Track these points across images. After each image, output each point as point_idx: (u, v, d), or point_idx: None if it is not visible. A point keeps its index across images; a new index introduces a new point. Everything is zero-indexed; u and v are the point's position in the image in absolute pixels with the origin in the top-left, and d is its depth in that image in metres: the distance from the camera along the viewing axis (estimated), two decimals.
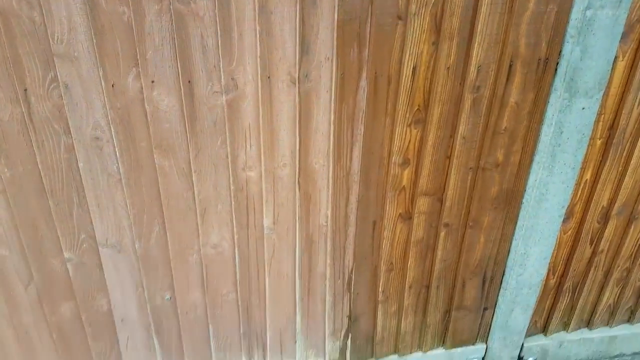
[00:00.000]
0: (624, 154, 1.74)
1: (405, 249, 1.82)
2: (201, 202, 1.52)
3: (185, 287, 1.72)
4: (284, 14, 1.28)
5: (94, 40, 1.20)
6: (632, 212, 1.92)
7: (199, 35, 1.26)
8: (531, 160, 1.67)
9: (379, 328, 2.02)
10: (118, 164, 1.40)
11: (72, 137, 1.33)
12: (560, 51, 1.47)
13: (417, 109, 1.49)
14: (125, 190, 1.44)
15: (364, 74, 1.40)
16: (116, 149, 1.37)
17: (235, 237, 1.63)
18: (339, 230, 1.72)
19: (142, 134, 1.36)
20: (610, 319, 2.27)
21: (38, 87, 1.24)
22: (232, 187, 1.53)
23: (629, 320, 2.31)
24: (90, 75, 1.25)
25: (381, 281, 1.88)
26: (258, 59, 1.33)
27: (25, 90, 1.24)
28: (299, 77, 1.38)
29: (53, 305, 1.67)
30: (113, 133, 1.34)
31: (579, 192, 1.81)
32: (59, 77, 1.23)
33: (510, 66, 1.46)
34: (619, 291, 2.17)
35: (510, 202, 1.76)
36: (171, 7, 1.20)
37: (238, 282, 1.75)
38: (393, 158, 1.59)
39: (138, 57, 1.24)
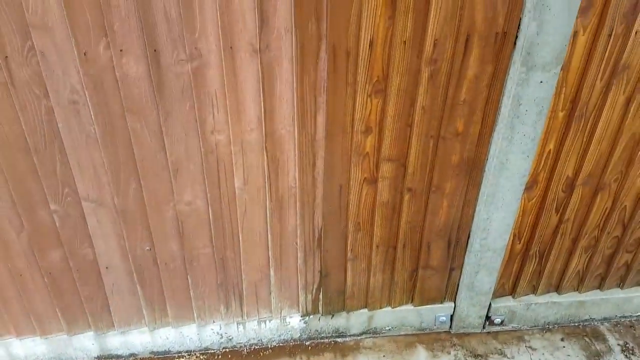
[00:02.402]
0: (588, 127, 1.85)
1: (371, 211, 1.99)
2: (173, 162, 1.70)
3: (163, 240, 1.93)
4: None
5: (65, 12, 1.35)
6: (598, 183, 2.04)
7: (162, 7, 1.39)
8: (491, 131, 1.79)
9: (349, 284, 2.22)
10: (94, 125, 1.57)
11: (51, 100, 1.50)
12: (519, 25, 1.57)
13: (377, 80, 1.62)
14: (102, 150, 1.63)
15: (323, 46, 1.53)
16: (91, 112, 1.54)
17: (208, 195, 1.82)
18: (307, 192, 1.89)
19: (114, 99, 1.52)
20: (579, 285, 2.43)
21: (18, 55, 1.40)
22: (202, 149, 1.69)
23: (599, 286, 2.47)
24: (63, 44, 1.40)
25: (349, 240, 2.07)
26: (219, 30, 1.46)
27: (6, 57, 1.40)
28: (260, 47, 1.51)
29: (43, 252, 1.90)
30: (88, 97, 1.51)
31: (542, 161, 1.93)
32: (35, 45, 1.39)
33: (467, 40, 1.56)
34: (587, 258, 2.32)
35: (472, 170, 1.90)
36: None
37: (213, 237, 1.96)
38: (356, 126, 1.73)
39: (106, 27, 1.39)
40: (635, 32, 1.61)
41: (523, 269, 2.31)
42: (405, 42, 1.54)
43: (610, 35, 1.61)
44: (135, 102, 1.54)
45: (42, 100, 1.50)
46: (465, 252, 2.20)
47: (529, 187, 2.00)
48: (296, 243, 2.04)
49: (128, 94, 1.52)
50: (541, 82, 1.65)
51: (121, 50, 1.44)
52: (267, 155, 1.76)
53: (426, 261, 2.19)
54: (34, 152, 1.61)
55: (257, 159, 1.76)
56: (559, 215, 2.13)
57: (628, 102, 1.79)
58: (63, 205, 1.76)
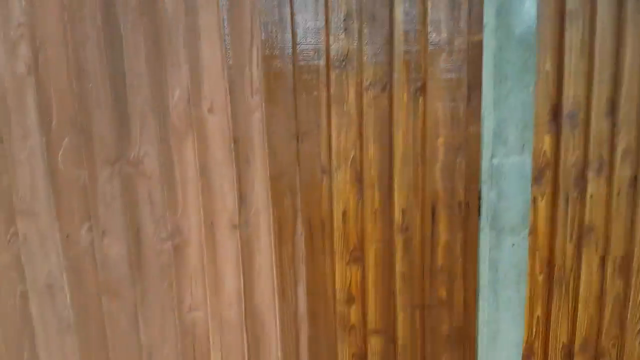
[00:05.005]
0: (570, 289, 1.73)
1: None
2: (147, 346, 1.52)
3: None
4: (223, 173, 1.44)
5: (53, 199, 1.35)
6: (596, 349, 1.82)
7: (147, 192, 1.40)
8: (475, 297, 1.66)
9: None
10: (68, 309, 1.44)
11: (27, 284, 1.41)
12: (479, 194, 1.58)
13: (353, 248, 1.56)
14: (74, 335, 1.47)
15: (299, 220, 1.51)
16: (67, 295, 1.43)
17: None
18: None
19: (91, 280, 1.43)
20: None
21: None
22: (178, 330, 1.53)
23: None
24: (47, 228, 1.37)
25: None
26: (201, 209, 1.45)
27: None
28: (239, 223, 1.48)
29: None
30: (65, 280, 1.42)
31: (534, 328, 1.75)
32: (18, 231, 1.36)
33: (433, 209, 1.56)
34: None
35: (465, 341, 1.70)
36: (121, 169, 1.37)
37: None
38: (338, 295, 1.60)
39: (91, 211, 1.38)
40: (591, 196, 1.62)
41: None
42: (375, 212, 1.53)
43: (567, 200, 1.61)
44: (113, 282, 1.44)
45: (18, 285, 1.40)
46: None
47: (527, 357, 1.78)
48: None
49: (106, 275, 1.43)
50: (513, 245, 1.59)
51: (103, 232, 1.40)
52: (247, 334, 1.59)
53: None
54: (2, 341, 1.44)
55: (236, 339, 1.59)
56: None
57: (603, 262, 1.70)
58: None
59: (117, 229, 1.41)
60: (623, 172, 1.60)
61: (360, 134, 1.45)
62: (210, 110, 1.39)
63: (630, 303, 1.75)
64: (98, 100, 1.32)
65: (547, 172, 1.59)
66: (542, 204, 1.62)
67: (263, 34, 1.37)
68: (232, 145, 1.43)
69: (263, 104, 1.40)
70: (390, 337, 1.68)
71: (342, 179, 1.49)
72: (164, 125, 1.38)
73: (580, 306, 1.75)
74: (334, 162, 1.47)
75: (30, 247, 1.37)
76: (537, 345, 1.78)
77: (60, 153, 1.32)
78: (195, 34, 1.34)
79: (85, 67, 1.31)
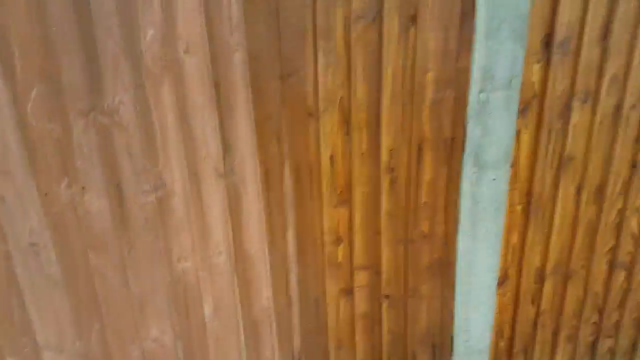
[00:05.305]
0: (546, 218, 1.82)
1: (351, 324, 1.81)
2: (138, 297, 1.52)
3: None
4: (204, 118, 1.37)
5: (27, 156, 1.27)
6: (567, 271, 1.96)
7: (125, 143, 1.33)
8: (456, 230, 1.73)
9: None
10: (54, 267, 1.41)
11: (9, 245, 1.35)
12: (465, 129, 1.59)
13: (341, 191, 1.57)
14: (62, 291, 1.45)
15: (286, 165, 1.49)
16: (52, 253, 1.39)
17: (176, 328, 1.61)
18: (283, 312, 1.72)
19: (76, 237, 1.39)
20: None
21: None
22: (168, 280, 1.54)
23: None
24: (24, 186, 1.30)
25: None
26: (184, 159, 1.40)
27: None
28: (225, 171, 1.45)
29: None
30: (48, 238, 1.37)
31: (509, 256, 1.86)
32: None
33: (420, 148, 1.56)
34: (571, 349, 2.16)
35: (444, 270, 1.79)
36: (96, 120, 1.29)
37: None
38: (325, 237, 1.63)
39: (68, 167, 1.31)
40: (574, 126, 1.66)
41: None
42: (363, 154, 1.52)
43: (550, 131, 1.65)
44: (98, 237, 1.41)
45: (0, 246, 1.35)
46: (451, 358, 2.00)
47: (501, 282, 1.90)
48: None
49: (90, 231, 1.39)
50: (494, 179, 1.64)
51: (83, 188, 1.34)
52: (237, 277, 1.61)
53: None
54: None
55: (227, 283, 1.61)
56: (535, 307, 2.00)
57: (578, 191, 1.79)
58: (20, 357, 1.51)
59: (97, 184, 1.35)
60: (608, 101, 1.64)
61: (348, 73, 1.40)
62: (186, 51, 1.30)
63: (600, 228, 1.87)
64: (65, 45, 1.20)
65: (533, 104, 1.61)
66: (526, 137, 1.66)
67: None
68: (213, 88, 1.36)
69: (244, 42, 1.32)
70: (375, 271, 1.75)
71: (329, 121, 1.45)
72: (138, 70, 1.28)
73: (554, 233, 1.85)
74: (321, 104, 1.43)
75: (9, 208, 1.31)
76: (512, 271, 1.90)
77: (29, 106, 1.22)
78: None
79: (47, 7, 1.17)
